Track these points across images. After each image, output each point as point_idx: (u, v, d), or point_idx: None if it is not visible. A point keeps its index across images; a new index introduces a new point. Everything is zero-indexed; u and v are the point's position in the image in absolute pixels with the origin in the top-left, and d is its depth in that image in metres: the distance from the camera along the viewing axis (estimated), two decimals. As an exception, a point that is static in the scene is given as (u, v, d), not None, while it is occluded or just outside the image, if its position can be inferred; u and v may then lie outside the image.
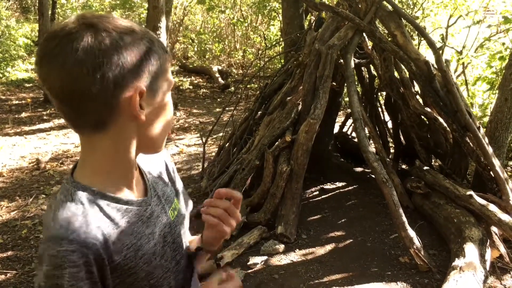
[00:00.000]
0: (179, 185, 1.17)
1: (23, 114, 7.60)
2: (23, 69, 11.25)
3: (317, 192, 4.52)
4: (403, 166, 4.90)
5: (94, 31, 0.80)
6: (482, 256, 3.07)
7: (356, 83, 5.00)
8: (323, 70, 3.74)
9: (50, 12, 8.93)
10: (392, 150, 5.12)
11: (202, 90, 9.84)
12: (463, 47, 6.83)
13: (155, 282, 0.97)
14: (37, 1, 9.40)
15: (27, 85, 10.13)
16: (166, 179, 1.11)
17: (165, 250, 1.00)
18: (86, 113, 0.83)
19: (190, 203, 1.23)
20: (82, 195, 0.85)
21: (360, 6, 3.91)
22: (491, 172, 3.64)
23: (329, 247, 3.60)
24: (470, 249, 3.06)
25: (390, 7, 3.83)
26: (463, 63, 6.66)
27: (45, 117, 7.48)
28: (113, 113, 0.84)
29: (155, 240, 0.97)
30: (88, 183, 0.88)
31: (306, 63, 3.95)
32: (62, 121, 7.27)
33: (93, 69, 0.79)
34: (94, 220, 0.83)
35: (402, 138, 4.80)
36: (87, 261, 0.80)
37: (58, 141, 6.24)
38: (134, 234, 0.91)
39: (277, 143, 3.81)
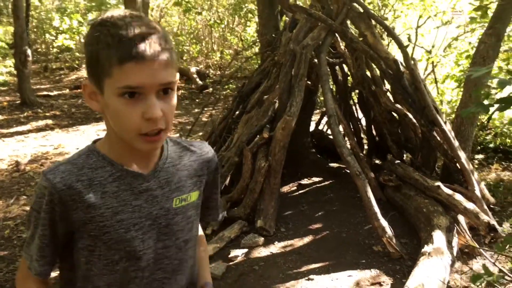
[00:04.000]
0: (217, 188, 1.30)
1: (0, 117, 7.55)
2: (-2, 72, 11.12)
3: (295, 187, 4.68)
4: (377, 161, 5.10)
5: (91, 26, 0.97)
6: (449, 242, 3.27)
7: (330, 82, 5.19)
8: (298, 69, 3.90)
9: (24, 15, 8.88)
10: (366, 147, 5.31)
11: (180, 91, 9.91)
12: (432, 46, 7.11)
13: (132, 252, 1.05)
14: (11, 4, 9.32)
15: (2, 88, 10.02)
16: (198, 173, 1.18)
17: (152, 229, 1.07)
18: None
19: (220, 213, 1.35)
20: (87, 151, 1.06)
21: (332, 8, 4.08)
22: (457, 164, 3.86)
23: (307, 239, 3.75)
24: (438, 236, 3.25)
25: (360, 8, 4.01)
26: (432, 62, 6.94)
27: (22, 120, 7.45)
28: None
29: (141, 213, 1.05)
30: (98, 146, 1.07)
31: (281, 63, 4.11)
32: (40, 123, 7.27)
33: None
34: (77, 172, 1.02)
35: (375, 134, 4.99)
36: (51, 199, 1.00)
37: (36, 143, 6.24)
38: (118, 198, 1.03)
39: (255, 140, 3.95)
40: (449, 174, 4.07)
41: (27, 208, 4.27)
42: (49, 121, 7.36)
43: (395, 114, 4.47)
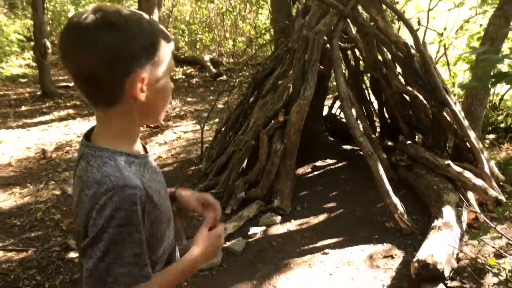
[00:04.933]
0: None
1: (23, 108, 7.84)
2: (17, 65, 11.40)
3: (310, 169, 4.84)
4: (389, 143, 5.22)
5: (109, 26, 0.97)
6: (458, 217, 3.42)
7: (343, 67, 5.32)
8: (311, 55, 4.04)
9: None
10: (378, 129, 5.44)
11: (194, 79, 10.11)
12: (444, 29, 7.15)
13: (169, 221, 1.21)
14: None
15: (22, 80, 10.32)
16: None
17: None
18: (100, 93, 1.04)
19: None
20: (117, 155, 1.06)
21: (343, -7, 4.20)
22: (467, 143, 3.99)
23: (322, 217, 3.93)
24: (448, 211, 3.40)
25: (371, -6, 4.12)
26: (444, 45, 6.99)
27: (44, 110, 7.73)
28: (120, 94, 1.03)
29: (162, 186, 1.18)
30: (113, 146, 1.07)
31: (295, 49, 4.25)
32: (62, 113, 7.53)
33: (108, 58, 0.98)
34: (130, 172, 1.04)
35: (387, 117, 5.11)
36: (142, 201, 1.03)
37: (60, 132, 6.50)
38: (155, 181, 1.14)
39: (271, 123, 4.12)
40: (459, 153, 4.20)
41: (56, 192, 4.53)
42: (70, 111, 7.62)
43: (406, 97, 4.58)
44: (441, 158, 3.93)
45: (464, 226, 3.44)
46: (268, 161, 4.03)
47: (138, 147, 1.16)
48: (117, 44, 0.98)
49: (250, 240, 3.59)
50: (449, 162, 3.81)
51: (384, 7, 4.15)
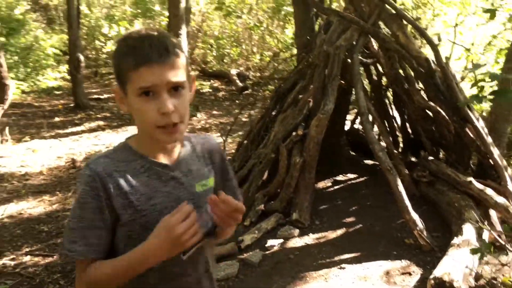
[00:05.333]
0: (229, 175, 1.42)
1: (56, 119, 8.16)
2: (52, 78, 11.89)
3: (330, 184, 4.85)
4: (412, 159, 5.18)
5: (116, 41, 1.19)
6: (479, 235, 3.36)
7: (365, 82, 5.34)
8: (331, 69, 4.09)
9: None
10: (402, 144, 5.41)
11: (221, 93, 10.29)
12: (472, 44, 7.07)
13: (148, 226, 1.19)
14: (65, 13, 9.98)
15: (57, 92, 10.74)
16: (207, 162, 1.34)
17: None
18: None
19: (238, 194, 1.43)
20: (121, 147, 1.24)
21: (364, 9, 4.24)
22: (490, 160, 3.93)
23: (340, 231, 3.93)
24: (468, 228, 3.35)
25: (392, 10, 4.15)
26: (472, 60, 6.90)
27: (76, 121, 8.02)
28: None
29: (170, 198, 1.22)
30: (130, 143, 1.24)
31: (316, 64, 4.31)
32: (92, 124, 7.80)
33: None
34: (114, 163, 1.19)
35: (410, 132, 5.09)
36: (96, 186, 1.14)
37: (90, 143, 6.74)
38: (150, 186, 1.20)
39: (290, 137, 4.17)
40: (483, 170, 4.13)
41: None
42: (101, 122, 7.89)
43: (429, 112, 4.55)
44: (463, 175, 3.89)
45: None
46: (288, 174, 4.07)
47: (161, 155, 1.24)
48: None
49: (268, 252, 3.62)
50: (471, 179, 3.76)
51: (405, 23, 4.16)
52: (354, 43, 4.19)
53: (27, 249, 3.71)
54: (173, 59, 1.13)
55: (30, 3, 15.63)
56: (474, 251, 1.51)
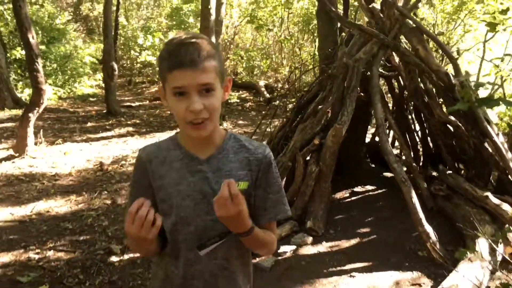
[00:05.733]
0: (272, 189, 1.42)
1: (89, 124, 8.50)
2: (88, 85, 12.38)
3: (348, 194, 4.88)
4: (434, 173, 5.14)
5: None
6: (493, 250, 3.33)
7: (388, 95, 5.37)
8: (350, 81, 4.16)
9: (113, 33, 9.92)
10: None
11: (248, 103, 10.46)
12: (501, 60, 6.96)
13: (184, 218, 1.37)
14: (102, 23, 10.42)
15: (91, 99, 11.17)
16: (247, 168, 1.39)
17: (203, 202, 1.35)
18: None
19: (279, 212, 1.43)
20: (170, 138, 1.46)
21: (385, 23, 4.30)
22: (509, 176, 3.88)
23: (354, 241, 3.96)
24: (482, 243, 3.33)
25: (412, 24, 4.19)
26: (501, 77, 6.80)
27: (107, 127, 8.33)
28: None
29: (194, 188, 1.35)
30: (177, 135, 1.44)
31: (335, 75, 4.38)
32: (122, 130, 8.09)
33: None
34: (158, 151, 1.43)
35: (431, 146, 5.06)
36: (140, 168, 1.43)
37: (118, 148, 6.99)
38: (179, 173, 1.38)
39: (307, 146, 4.24)
40: (503, 186, 4.08)
41: (107, 201, 4.89)
42: (130, 129, 8.17)
43: (449, 126, 4.54)
44: (480, 190, 3.86)
45: (499, 259, 3.35)
46: (303, 183, 4.14)
47: (197, 147, 1.39)
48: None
49: (280, 258, 3.69)
50: (488, 193, 3.73)
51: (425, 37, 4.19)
52: (373, 56, 4.25)
53: (51, 245, 3.90)
54: (203, 64, 1.24)
55: (71, 13, 16.37)
56: (460, 254, 1.53)
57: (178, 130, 1.44)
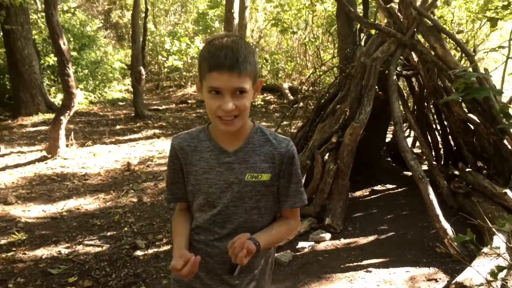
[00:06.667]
0: (293, 179, 1.57)
1: (117, 127, 8.80)
2: (118, 90, 12.76)
3: (368, 193, 4.92)
4: (455, 172, 5.12)
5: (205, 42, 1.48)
6: (509, 246, 3.32)
7: (408, 93, 5.38)
8: (367, 80, 4.22)
9: (141, 39, 10.22)
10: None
11: (272, 105, 10.57)
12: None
13: (211, 202, 1.53)
14: (130, 30, 10.74)
15: (120, 103, 11.52)
16: (271, 161, 1.52)
17: (227, 190, 1.50)
18: None
19: (297, 201, 1.59)
20: (202, 128, 1.58)
21: (403, 22, 4.34)
22: (529, 173, 3.86)
23: (371, 238, 4.01)
24: (498, 239, 3.33)
25: (430, 22, 4.22)
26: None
27: (135, 129, 8.60)
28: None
29: (221, 177, 1.50)
30: (208, 126, 1.57)
31: (353, 75, 4.45)
32: (149, 132, 8.34)
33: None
34: (189, 139, 1.56)
35: (452, 144, 5.05)
36: (172, 154, 1.58)
37: (145, 149, 7.23)
38: (209, 163, 1.52)
39: (325, 145, 4.32)
40: (524, 183, 4.05)
41: (134, 199, 5.09)
42: (157, 131, 8.41)
43: (469, 124, 4.53)
44: (499, 187, 3.84)
45: (517, 255, 3.34)
46: (322, 180, 4.22)
47: (226, 141, 1.52)
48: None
49: (298, 253, 3.78)
50: (507, 190, 3.72)
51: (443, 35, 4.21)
52: (391, 55, 4.29)
53: (80, 240, 4.11)
54: (240, 69, 1.35)
55: (102, 21, 16.88)
56: (493, 275, 1.59)
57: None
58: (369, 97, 4.20)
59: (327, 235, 3.99)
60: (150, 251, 3.89)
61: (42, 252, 3.90)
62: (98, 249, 3.95)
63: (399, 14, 4.40)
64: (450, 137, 5.01)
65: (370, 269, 3.50)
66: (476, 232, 3.86)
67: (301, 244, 3.88)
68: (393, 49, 4.28)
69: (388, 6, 4.49)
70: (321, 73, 7.74)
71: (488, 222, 3.57)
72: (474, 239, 1.59)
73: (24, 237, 4.15)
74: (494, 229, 3.44)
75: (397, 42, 4.27)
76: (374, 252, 3.75)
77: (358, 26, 5.38)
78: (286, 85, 11.43)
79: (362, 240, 3.97)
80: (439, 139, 5.24)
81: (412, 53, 4.65)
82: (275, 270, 3.53)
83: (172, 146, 1.59)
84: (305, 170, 4.44)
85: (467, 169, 4.28)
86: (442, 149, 5.25)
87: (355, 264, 3.60)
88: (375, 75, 4.21)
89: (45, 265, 3.66)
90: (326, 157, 4.39)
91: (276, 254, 3.70)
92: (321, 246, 3.89)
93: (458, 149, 4.91)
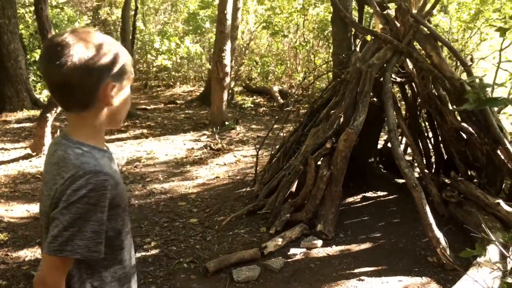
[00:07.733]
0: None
1: (104, 126, 8.63)
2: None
3: (359, 199, 4.89)
4: (446, 180, 5.12)
5: (85, 43, 1.22)
6: (504, 257, 3.31)
7: (401, 100, 5.36)
8: (363, 87, 4.18)
9: (130, 37, 10.07)
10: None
11: (262, 108, 10.51)
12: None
13: (126, 217, 1.40)
14: (120, 28, 10.59)
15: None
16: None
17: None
18: (76, 98, 1.26)
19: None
20: (92, 149, 1.30)
21: (399, 29, 4.32)
22: (522, 184, 3.86)
23: (364, 245, 3.97)
24: (492, 249, 3.32)
25: (426, 30, 4.21)
26: (516, 84, 6.73)
27: (122, 129, 8.43)
28: (94, 99, 1.26)
29: (120, 177, 1.38)
30: (88, 142, 1.31)
31: (348, 80, 4.41)
32: (137, 132, 8.20)
33: (83, 69, 1.20)
34: (104, 163, 1.29)
35: (444, 153, 5.05)
36: (110, 189, 1.25)
37: (132, 149, 7.09)
38: (117, 172, 1.37)
39: (319, 150, 4.27)
40: (515, 193, 4.06)
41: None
42: (144, 131, 8.27)
43: (462, 133, 4.53)
44: (491, 197, 3.84)
45: (510, 266, 3.33)
46: (314, 186, 4.17)
47: (104, 145, 1.40)
48: (92, 56, 1.22)
49: (289, 260, 3.72)
50: (499, 200, 3.71)
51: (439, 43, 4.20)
52: (387, 61, 4.27)
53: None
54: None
55: (90, 17, 16.64)
56: (465, 253, 1.55)
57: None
58: (364, 104, 4.16)
59: (319, 242, 3.94)
60: (137, 254, 3.79)
61: (25, 253, 3.77)
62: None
63: (395, 21, 4.38)
64: (441, 145, 5.01)
65: (362, 277, 3.46)
66: (469, 243, 3.88)
67: (292, 251, 3.82)
68: (389, 55, 4.26)
69: (385, 12, 4.47)
70: (312, 77, 7.71)
71: (483, 232, 3.56)
72: (482, 254, 1.54)
73: (7, 238, 4.01)
74: (488, 239, 3.43)
75: (394, 49, 4.25)
76: (366, 260, 3.71)
77: (353, 32, 5.36)
78: (276, 88, 11.39)
79: (354, 248, 3.93)
80: (430, 147, 5.24)
81: (407, 60, 4.64)
82: (266, 277, 3.48)
83: (108, 179, 1.25)
84: (298, 175, 4.39)
85: (459, 178, 4.27)
86: (433, 157, 5.24)
87: (347, 272, 3.56)
88: (371, 82, 4.18)
89: (28, 267, 3.54)
90: (319, 162, 4.34)
91: (267, 260, 3.64)
92: (313, 253, 3.84)
93: (450, 158, 4.91)
